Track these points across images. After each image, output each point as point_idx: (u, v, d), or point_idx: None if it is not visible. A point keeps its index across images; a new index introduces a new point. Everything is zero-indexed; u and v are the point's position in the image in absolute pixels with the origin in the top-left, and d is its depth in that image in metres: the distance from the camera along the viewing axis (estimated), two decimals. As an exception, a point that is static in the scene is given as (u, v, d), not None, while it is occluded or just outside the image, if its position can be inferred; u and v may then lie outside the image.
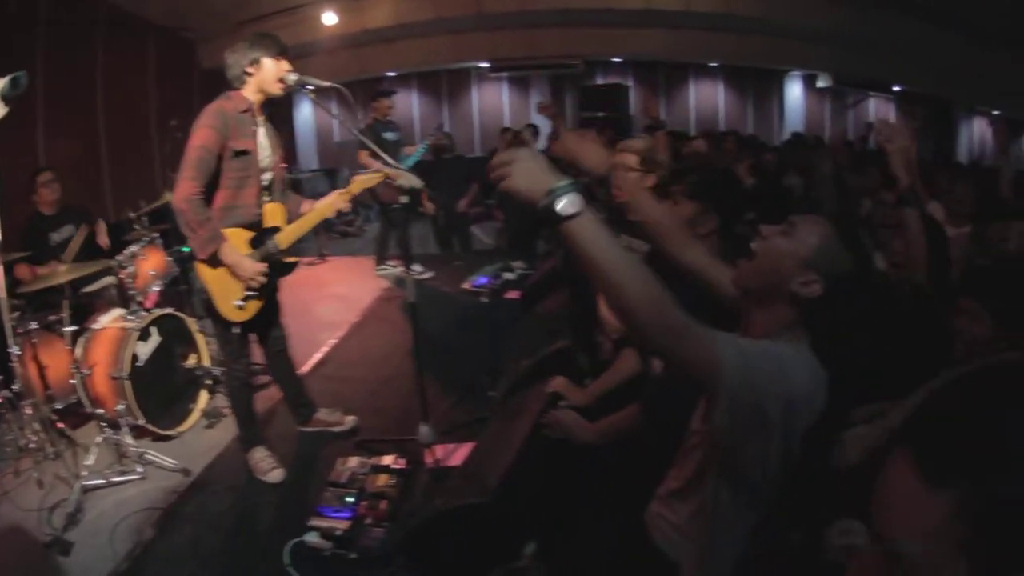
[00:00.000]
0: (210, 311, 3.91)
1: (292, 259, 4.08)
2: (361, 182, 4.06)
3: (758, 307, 2.00)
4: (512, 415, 3.55)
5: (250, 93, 3.80)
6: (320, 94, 3.99)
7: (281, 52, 3.79)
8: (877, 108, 16.72)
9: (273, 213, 4.00)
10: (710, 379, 1.68)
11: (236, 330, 3.95)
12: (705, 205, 3.10)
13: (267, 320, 4.20)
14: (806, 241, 1.92)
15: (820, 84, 15.66)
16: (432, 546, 2.99)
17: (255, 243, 3.88)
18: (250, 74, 3.77)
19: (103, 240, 5.78)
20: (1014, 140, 18.68)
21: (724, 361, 1.65)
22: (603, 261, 1.54)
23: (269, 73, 3.75)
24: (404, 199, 4.12)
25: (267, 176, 3.96)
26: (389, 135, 8.02)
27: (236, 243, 3.78)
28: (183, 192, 3.57)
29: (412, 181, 3.92)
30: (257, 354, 4.41)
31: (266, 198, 3.98)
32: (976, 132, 17.72)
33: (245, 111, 3.77)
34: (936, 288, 3.12)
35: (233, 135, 3.68)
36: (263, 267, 3.81)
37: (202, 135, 3.62)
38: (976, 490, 0.76)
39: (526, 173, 1.57)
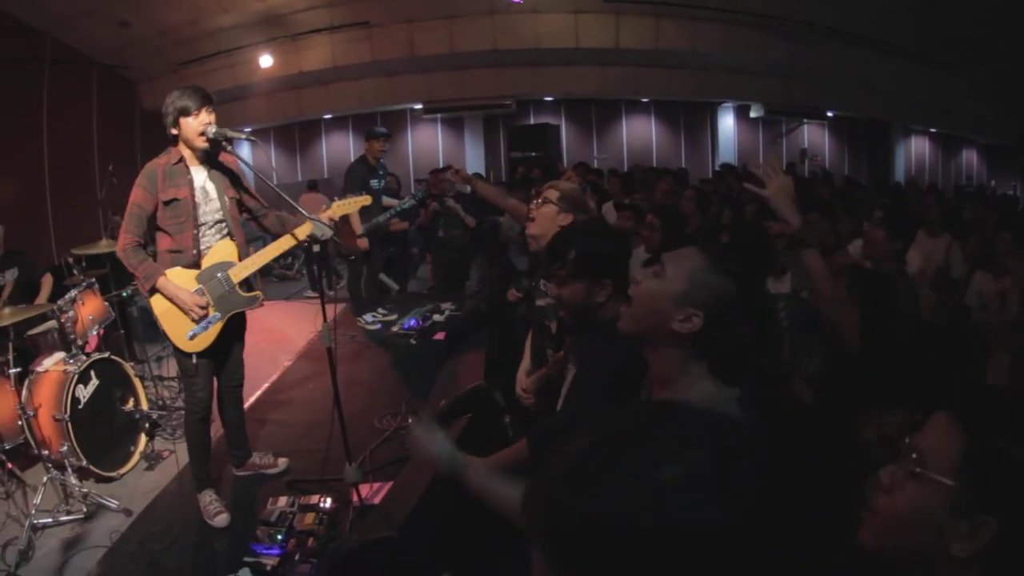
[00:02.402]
0: (170, 342, 4.19)
1: (251, 293, 4.35)
2: (341, 208, 4.41)
3: (649, 351, 2.00)
4: (427, 454, 3.75)
5: (182, 148, 4.09)
6: (260, 138, 4.26)
7: (201, 104, 4.00)
8: (811, 134, 17.15)
9: (222, 250, 4.23)
10: None
11: (194, 360, 4.17)
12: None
13: (226, 351, 4.42)
14: (676, 278, 1.92)
15: (753, 114, 15.94)
16: (352, 578, 3.15)
17: (201, 278, 4.13)
18: (175, 134, 4.04)
19: (45, 292, 5.93)
20: (954, 156, 19.42)
21: None
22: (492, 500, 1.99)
23: (189, 130, 4.00)
24: (316, 248, 4.28)
25: (214, 216, 4.20)
26: (375, 182, 7.79)
27: (183, 279, 4.07)
28: (120, 244, 4.01)
29: (323, 231, 4.10)
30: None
31: (216, 236, 4.24)
32: (913, 151, 18.30)
33: (178, 163, 4.06)
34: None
35: (162, 188, 3.99)
36: (201, 300, 4.06)
37: (135, 194, 4.02)
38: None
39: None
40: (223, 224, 4.26)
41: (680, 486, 0.79)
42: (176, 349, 4.18)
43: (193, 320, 4.08)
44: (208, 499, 4.26)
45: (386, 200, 7.95)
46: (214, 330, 4.18)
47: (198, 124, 3.99)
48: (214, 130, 4.00)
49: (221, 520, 4.16)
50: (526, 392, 3.91)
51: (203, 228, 4.17)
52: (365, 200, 4.64)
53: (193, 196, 4.09)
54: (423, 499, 3.13)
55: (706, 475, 0.80)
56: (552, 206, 3.70)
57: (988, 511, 1.17)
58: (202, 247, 4.17)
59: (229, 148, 4.17)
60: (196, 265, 4.15)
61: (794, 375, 3.68)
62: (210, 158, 4.19)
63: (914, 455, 1.27)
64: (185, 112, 3.97)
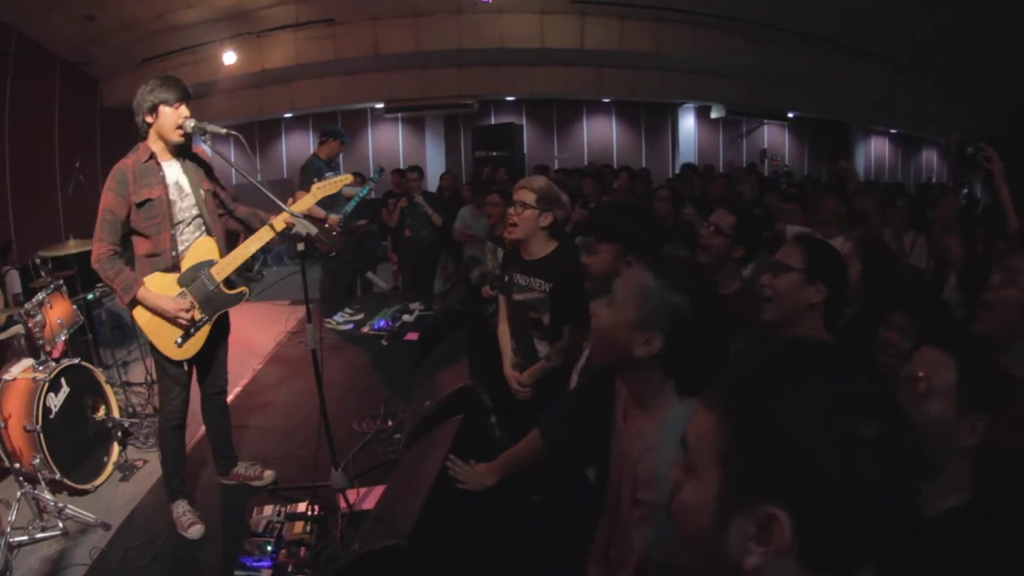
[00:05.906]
0: (153, 351, 4.02)
1: (236, 290, 4.19)
2: (314, 193, 4.37)
3: (623, 380, 2.05)
4: (419, 457, 3.64)
5: (152, 142, 3.89)
6: (217, 139, 4.11)
7: (181, 97, 3.85)
8: (771, 134, 17.38)
9: (202, 248, 4.06)
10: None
11: (185, 367, 4.07)
12: (621, 245, 3.12)
13: (211, 356, 4.27)
14: (627, 305, 1.92)
15: (713, 114, 16.11)
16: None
17: (183, 281, 3.96)
18: (149, 124, 3.85)
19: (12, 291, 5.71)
20: (913, 156, 19.75)
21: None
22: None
23: (167, 121, 3.82)
24: (300, 246, 4.05)
25: (190, 212, 4.03)
26: (330, 175, 7.65)
27: (164, 285, 3.90)
28: (95, 253, 3.79)
29: (307, 228, 3.95)
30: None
31: (195, 233, 4.07)
32: (873, 151, 18.63)
33: (148, 160, 3.85)
34: None
35: (133, 189, 3.79)
36: (185, 303, 3.89)
37: (105, 199, 3.80)
38: (729, 413, 0.97)
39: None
40: (200, 219, 4.09)
41: (871, 444, 0.85)
42: (164, 359, 4.02)
43: (179, 327, 3.93)
44: (181, 509, 4.11)
45: (346, 191, 7.89)
46: (201, 334, 4.05)
47: (176, 116, 3.83)
48: (193, 123, 3.86)
49: (195, 532, 4.02)
50: (524, 386, 3.98)
51: (180, 226, 4.00)
52: (346, 179, 4.61)
53: (167, 194, 3.91)
54: (428, 504, 3.03)
55: (888, 441, 0.87)
56: (532, 209, 3.80)
57: (982, 411, 1.75)
58: (180, 247, 4.00)
59: (208, 142, 4.07)
60: (176, 267, 3.98)
61: None
62: (182, 150, 4.03)
63: (920, 377, 1.80)
64: (164, 103, 3.80)
